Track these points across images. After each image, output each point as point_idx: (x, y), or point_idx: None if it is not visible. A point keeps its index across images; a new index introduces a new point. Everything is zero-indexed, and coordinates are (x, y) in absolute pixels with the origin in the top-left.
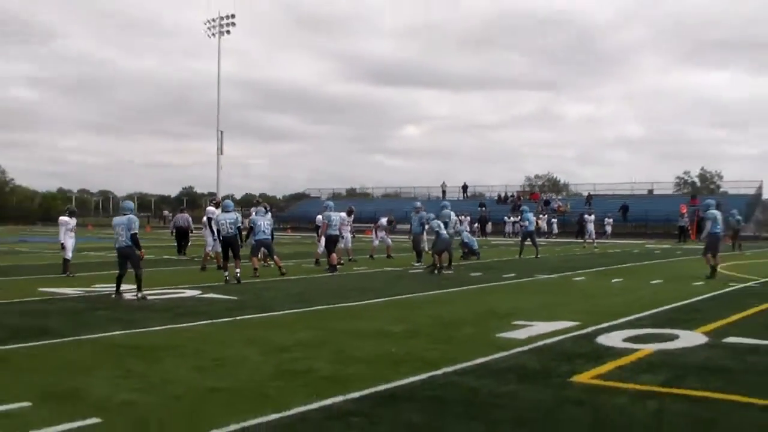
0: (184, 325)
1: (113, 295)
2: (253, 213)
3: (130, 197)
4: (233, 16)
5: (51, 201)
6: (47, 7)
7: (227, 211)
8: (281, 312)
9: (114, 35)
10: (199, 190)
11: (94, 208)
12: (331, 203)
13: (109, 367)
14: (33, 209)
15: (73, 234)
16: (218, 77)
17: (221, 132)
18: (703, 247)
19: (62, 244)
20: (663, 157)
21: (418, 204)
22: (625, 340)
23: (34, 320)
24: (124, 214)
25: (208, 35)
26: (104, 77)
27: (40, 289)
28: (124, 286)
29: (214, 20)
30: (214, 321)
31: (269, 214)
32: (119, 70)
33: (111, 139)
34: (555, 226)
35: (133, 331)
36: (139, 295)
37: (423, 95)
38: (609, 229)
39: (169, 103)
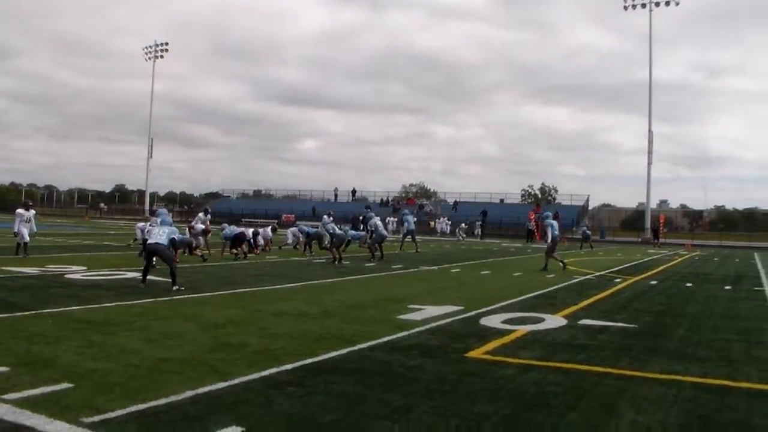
0: (131, 302)
1: (142, 284)
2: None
3: (71, 192)
4: (167, 43)
5: (5, 193)
6: (7, 29)
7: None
8: (212, 293)
9: (67, 56)
10: (129, 187)
11: (39, 199)
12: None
13: (72, 338)
14: None
15: (27, 223)
16: (152, 94)
17: (152, 139)
18: (546, 247)
19: (15, 232)
20: (511, 173)
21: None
22: (503, 322)
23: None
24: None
25: (146, 59)
26: (58, 91)
27: (1, 268)
28: (74, 267)
29: (150, 47)
30: (156, 300)
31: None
32: (70, 86)
33: (60, 144)
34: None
35: (88, 306)
36: (175, 288)
37: (319, 115)
38: (478, 230)
39: (111, 115)
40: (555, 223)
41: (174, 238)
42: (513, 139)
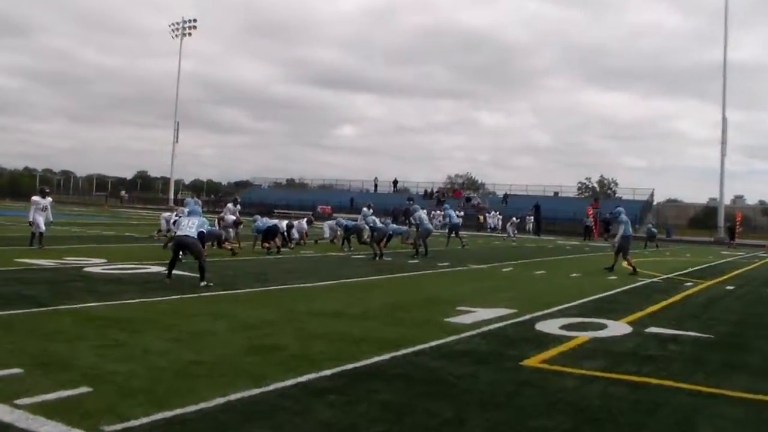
0: (156, 299)
1: (167, 280)
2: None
3: (89, 178)
4: (195, 20)
5: (19, 179)
6: (28, 3)
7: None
8: (243, 290)
9: (90, 34)
10: (152, 174)
11: (55, 185)
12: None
13: (93, 337)
14: (2, 185)
15: (43, 212)
16: (178, 74)
17: (178, 123)
18: (611, 245)
19: (30, 221)
20: (565, 165)
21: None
22: (561, 327)
23: (14, 288)
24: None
25: (172, 36)
26: (80, 71)
27: (16, 259)
28: (93, 260)
29: (177, 23)
30: (183, 296)
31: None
32: (94, 66)
33: (79, 126)
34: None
35: (109, 303)
36: (203, 284)
37: (358, 99)
38: (530, 226)
39: (135, 97)
40: (628, 220)
41: (203, 231)
42: (567, 127)
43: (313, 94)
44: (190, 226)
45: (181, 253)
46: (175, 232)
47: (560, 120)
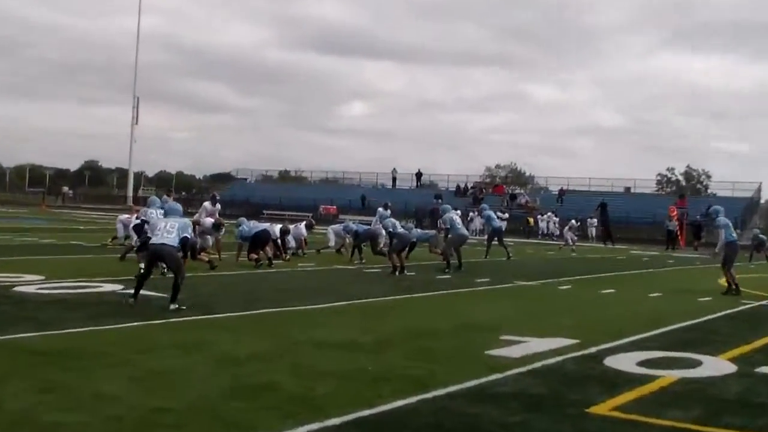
0: (111, 327)
1: (129, 299)
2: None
3: (20, 169)
4: None
5: None
6: None
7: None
8: (224, 314)
9: None
10: (105, 164)
11: None
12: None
13: (26, 377)
14: None
15: None
16: (138, 33)
17: (137, 99)
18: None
19: None
20: (641, 150)
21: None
22: (639, 364)
23: None
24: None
25: None
26: (8, 31)
27: None
28: (27, 276)
29: None
30: (146, 323)
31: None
32: (28, 23)
33: (8, 103)
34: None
35: (48, 333)
36: (173, 306)
37: (370, 68)
38: (593, 231)
39: (82, 64)
40: (729, 222)
41: (187, 237)
42: (642, 102)
43: (313, 63)
44: (169, 230)
45: (161, 266)
46: (138, 242)
47: (633, 92)
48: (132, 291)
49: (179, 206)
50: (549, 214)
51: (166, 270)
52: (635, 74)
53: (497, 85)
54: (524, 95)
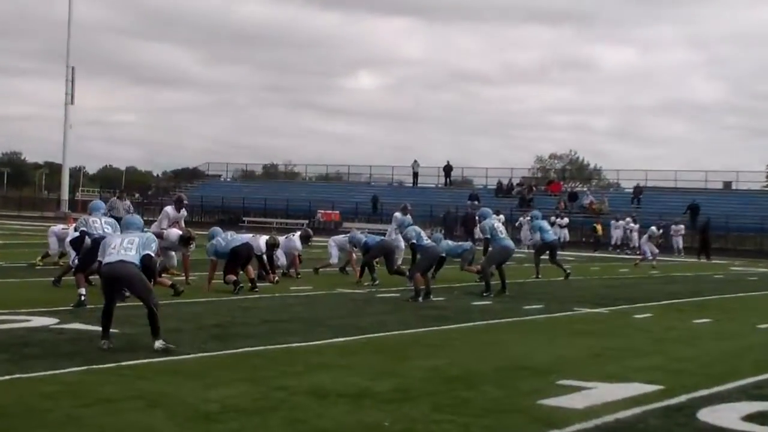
0: (42, 373)
1: (102, 343)
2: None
3: None
4: None
5: None
6: None
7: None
8: (194, 354)
9: None
10: (29, 158)
11: None
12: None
13: None
14: None
15: None
16: None
17: (72, 69)
18: None
19: None
20: (749, 133)
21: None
22: (746, 419)
23: None
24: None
25: None
26: None
27: None
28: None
29: None
30: (89, 367)
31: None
32: None
33: None
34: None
35: None
36: (158, 345)
37: (383, 26)
38: (680, 241)
39: None
40: None
41: (150, 254)
42: (753, 69)
43: (307, 20)
44: (127, 247)
45: (124, 292)
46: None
47: (741, 57)
48: (100, 330)
49: (138, 218)
50: (627, 219)
51: (128, 295)
52: (744, 32)
53: (555, 48)
54: (591, 61)
